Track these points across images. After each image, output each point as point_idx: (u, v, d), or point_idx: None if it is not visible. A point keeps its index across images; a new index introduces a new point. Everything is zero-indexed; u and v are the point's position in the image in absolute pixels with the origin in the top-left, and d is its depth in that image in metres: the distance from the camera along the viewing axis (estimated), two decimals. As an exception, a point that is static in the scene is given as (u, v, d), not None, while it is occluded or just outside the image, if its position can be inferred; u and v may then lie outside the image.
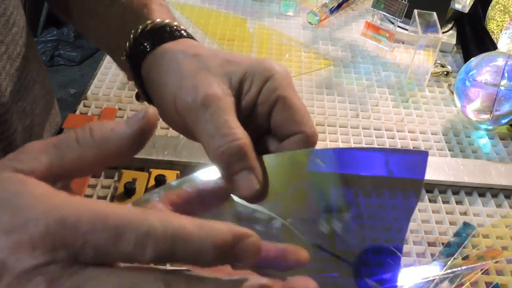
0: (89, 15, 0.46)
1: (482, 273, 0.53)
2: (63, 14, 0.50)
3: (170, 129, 0.69)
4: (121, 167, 0.62)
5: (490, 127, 0.74)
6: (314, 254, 0.32)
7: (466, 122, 0.76)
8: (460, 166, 0.66)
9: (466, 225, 0.59)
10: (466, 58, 0.87)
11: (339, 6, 0.99)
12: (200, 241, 0.23)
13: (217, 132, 0.31)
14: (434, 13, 0.84)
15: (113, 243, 0.22)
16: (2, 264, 0.22)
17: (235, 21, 0.96)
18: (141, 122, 0.27)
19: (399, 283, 0.32)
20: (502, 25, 0.88)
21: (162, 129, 0.69)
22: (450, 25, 0.97)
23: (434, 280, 0.52)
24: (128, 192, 0.58)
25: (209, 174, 0.33)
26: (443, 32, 0.93)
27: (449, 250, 0.56)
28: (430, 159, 0.67)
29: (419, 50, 0.82)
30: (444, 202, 0.63)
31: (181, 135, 0.67)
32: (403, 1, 0.86)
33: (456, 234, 0.58)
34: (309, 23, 0.96)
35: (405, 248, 0.57)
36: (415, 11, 0.85)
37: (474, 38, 0.92)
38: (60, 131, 0.65)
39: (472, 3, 0.89)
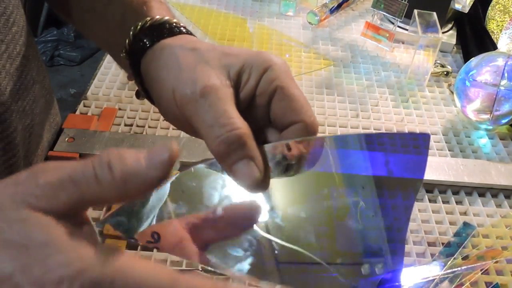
0: (89, 13, 0.47)
1: (482, 273, 0.53)
2: (62, 13, 0.50)
3: (170, 129, 0.69)
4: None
5: (490, 127, 0.74)
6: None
7: (466, 122, 0.76)
8: (460, 166, 0.66)
9: (466, 225, 0.59)
10: (466, 58, 0.87)
11: (339, 6, 0.99)
12: None
13: (216, 122, 0.31)
14: (434, 13, 0.84)
15: None
16: None
17: (235, 21, 0.96)
18: (166, 164, 0.26)
19: (399, 283, 0.32)
20: (502, 25, 0.88)
21: (162, 129, 0.69)
22: (450, 25, 0.97)
23: (434, 280, 0.52)
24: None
25: (209, 168, 0.32)
26: (443, 32, 0.93)
27: (449, 250, 0.56)
28: (430, 159, 0.67)
29: (419, 50, 0.82)
30: (444, 202, 0.63)
31: (181, 135, 0.68)
32: (403, 1, 0.86)
33: (456, 234, 0.58)
34: (309, 23, 0.96)
35: (405, 248, 0.57)
36: (415, 11, 0.85)
37: (474, 38, 0.92)
38: (60, 131, 0.65)
39: (472, 3, 0.89)
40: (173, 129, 0.69)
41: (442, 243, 0.57)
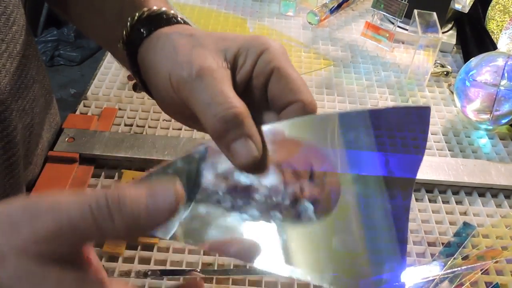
0: (87, 8, 0.47)
1: (482, 273, 0.53)
2: (61, 11, 0.50)
3: (170, 129, 0.69)
4: (121, 167, 0.62)
5: (490, 127, 0.74)
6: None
7: (466, 122, 0.76)
8: (460, 166, 0.66)
9: (466, 225, 0.59)
10: (466, 58, 0.87)
11: (339, 6, 0.99)
12: None
13: (213, 100, 0.31)
14: (434, 13, 0.84)
15: None
16: None
17: (235, 21, 0.96)
18: (170, 211, 0.26)
19: (399, 283, 0.32)
20: (502, 25, 0.88)
21: (162, 129, 0.69)
22: (450, 25, 0.96)
23: (434, 280, 0.52)
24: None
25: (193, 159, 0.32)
26: (443, 32, 0.93)
27: (449, 250, 0.56)
28: (430, 159, 0.68)
29: (419, 50, 0.82)
30: (444, 202, 0.63)
31: (181, 135, 0.68)
32: (403, 1, 0.86)
33: (456, 234, 0.58)
34: (309, 23, 0.96)
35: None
36: (415, 11, 0.85)
37: (474, 38, 0.92)
38: (60, 131, 0.65)
39: (472, 3, 0.89)
40: (173, 129, 0.69)
41: (442, 243, 0.57)
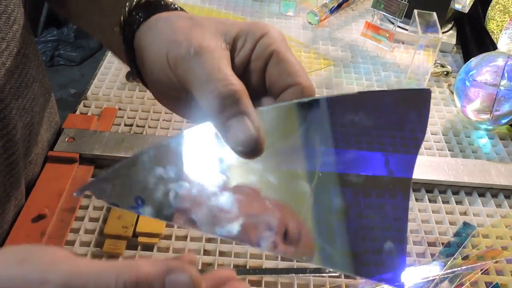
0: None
1: (482, 273, 0.53)
2: (56, 5, 0.49)
3: (170, 129, 0.69)
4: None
5: (490, 127, 0.74)
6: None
7: (466, 122, 0.76)
8: (460, 166, 0.66)
9: (466, 225, 0.59)
10: (466, 58, 0.87)
11: (339, 6, 0.99)
12: None
13: (211, 77, 0.31)
14: (434, 13, 0.84)
15: None
16: None
17: (235, 21, 0.96)
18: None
19: (400, 283, 0.32)
20: (502, 25, 0.88)
21: (162, 129, 0.69)
22: (450, 25, 0.97)
23: (434, 280, 0.52)
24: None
25: (199, 133, 0.31)
26: (443, 32, 0.93)
27: (449, 250, 0.56)
28: (430, 159, 0.68)
29: (419, 50, 0.82)
30: (444, 202, 0.63)
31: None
32: (403, 1, 0.86)
33: (456, 234, 0.58)
34: (309, 23, 0.96)
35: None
36: (415, 11, 0.85)
37: (474, 38, 0.92)
38: (60, 131, 0.65)
39: (472, 3, 0.89)
40: (173, 129, 0.69)
41: (442, 243, 0.57)
